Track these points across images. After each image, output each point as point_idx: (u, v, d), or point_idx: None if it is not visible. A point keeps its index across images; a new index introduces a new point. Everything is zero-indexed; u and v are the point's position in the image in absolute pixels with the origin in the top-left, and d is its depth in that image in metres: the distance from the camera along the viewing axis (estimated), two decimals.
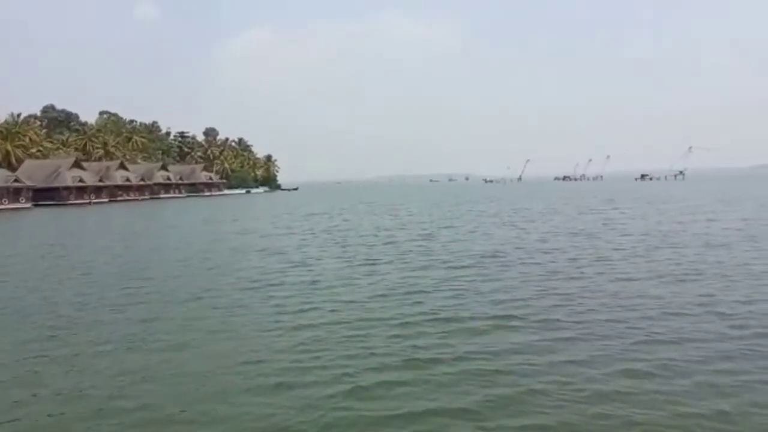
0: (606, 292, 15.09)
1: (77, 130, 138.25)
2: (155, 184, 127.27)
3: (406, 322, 12.71)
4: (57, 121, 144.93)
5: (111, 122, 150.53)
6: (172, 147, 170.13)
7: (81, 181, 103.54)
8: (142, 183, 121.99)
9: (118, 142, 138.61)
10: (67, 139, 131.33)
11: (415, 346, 10.92)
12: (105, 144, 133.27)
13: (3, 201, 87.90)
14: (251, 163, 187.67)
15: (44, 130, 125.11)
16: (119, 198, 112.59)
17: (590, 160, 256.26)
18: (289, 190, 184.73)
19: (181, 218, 57.03)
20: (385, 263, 21.48)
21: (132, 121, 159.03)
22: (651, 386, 8.66)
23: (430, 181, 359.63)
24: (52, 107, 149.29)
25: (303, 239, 31.59)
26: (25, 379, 9.88)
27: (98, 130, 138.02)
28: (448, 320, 12.82)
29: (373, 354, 10.60)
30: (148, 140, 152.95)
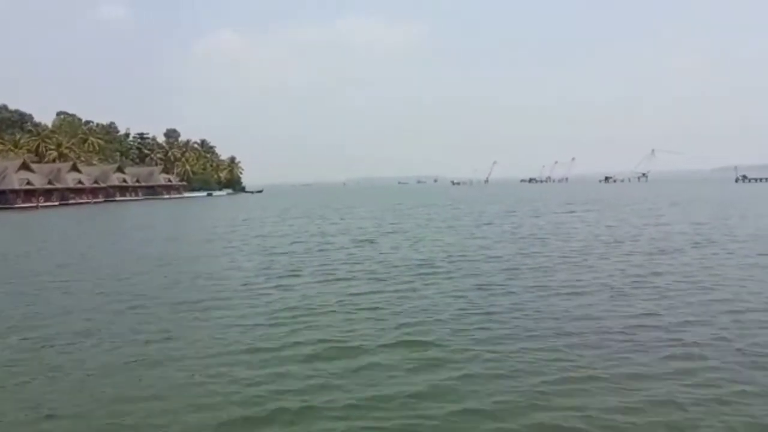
0: (535, 314, 13.33)
1: (30, 131, 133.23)
2: (110, 187, 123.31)
3: (287, 354, 10.74)
4: (10, 121, 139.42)
5: (66, 123, 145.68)
6: (131, 149, 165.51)
7: (29, 183, 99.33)
8: (96, 186, 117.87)
9: (73, 144, 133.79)
10: (18, 140, 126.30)
11: (278, 392, 8.91)
12: (59, 145, 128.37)
13: None
14: (214, 165, 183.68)
15: None
16: (71, 201, 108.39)
17: (556, 162, 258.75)
18: (253, 192, 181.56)
19: (116, 223, 54.28)
20: (307, 274, 19.52)
21: (88, 122, 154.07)
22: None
23: (399, 183, 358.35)
24: (5, 107, 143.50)
25: (230, 246, 29.44)
26: None
27: (52, 131, 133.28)
28: (343, 349, 10.91)
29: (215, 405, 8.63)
30: (106, 141, 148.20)
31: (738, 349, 10.11)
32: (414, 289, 16.15)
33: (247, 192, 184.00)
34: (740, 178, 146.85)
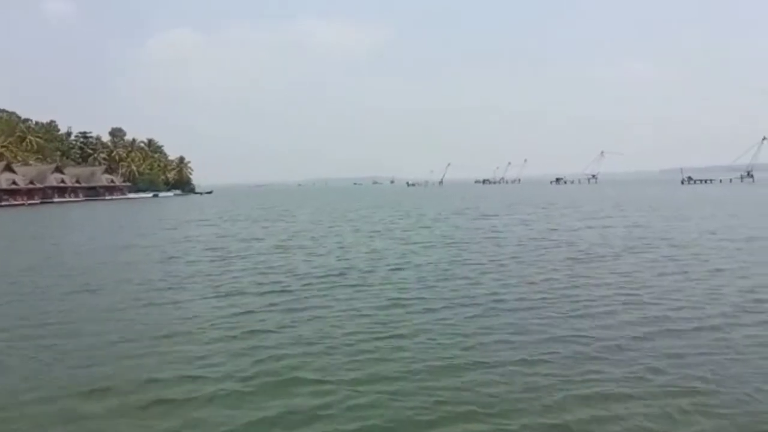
0: (444, 335, 11.85)
1: None
2: (48, 188, 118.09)
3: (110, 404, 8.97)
4: None
5: (2, 121, 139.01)
6: (72, 148, 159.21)
7: None
8: (32, 186, 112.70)
9: (9, 143, 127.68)
10: None
11: None
12: None
13: None
14: (162, 165, 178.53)
15: None
16: (3, 204, 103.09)
17: (509, 164, 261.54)
18: (202, 194, 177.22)
19: (29, 228, 51.20)
20: (201, 287, 17.63)
21: (27, 120, 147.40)
22: None
23: (354, 184, 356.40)
24: None
25: (143, 253, 27.25)
26: None
27: None
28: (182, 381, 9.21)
29: None
30: (46, 140, 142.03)
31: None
32: (313, 307, 14.46)
33: (196, 193, 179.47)
34: (686, 179, 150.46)
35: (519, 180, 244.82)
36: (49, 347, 11.46)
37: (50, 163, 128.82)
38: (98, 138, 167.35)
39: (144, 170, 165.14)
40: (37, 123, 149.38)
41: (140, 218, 60.04)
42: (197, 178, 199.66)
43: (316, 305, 14.59)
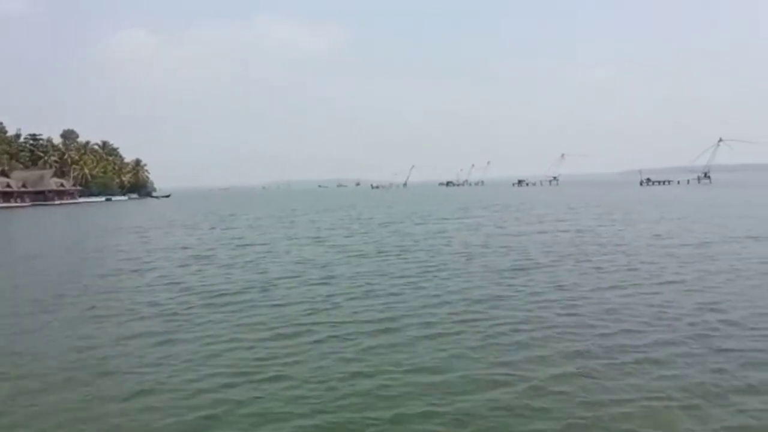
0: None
1: None
2: None
3: None
4: None
5: None
6: (22, 150, 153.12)
7: None
8: None
9: None
10: None
11: None
12: None
13: None
14: (117, 167, 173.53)
15: None
16: None
17: (473, 166, 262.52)
18: (158, 197, 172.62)
19: None
20: (71, 306, 15.40)
21: None
22: None
23: (319, 186, 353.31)
24: None
25: (43, 264, 24.77)
26: None
27: None
28: None
29: None
30: None
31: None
32: (176, 340, 12.24)
33: (153, 197, 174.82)
34: (644, 181, 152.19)
35: (482, 182, 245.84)
36: None
37: None
38: (49, 140, 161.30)
39: (97, 173, 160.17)
40: None
41: (69, 226, 56.87)
42: (161, 182, 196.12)
43: (179, 337, 12.38)
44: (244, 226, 45.41)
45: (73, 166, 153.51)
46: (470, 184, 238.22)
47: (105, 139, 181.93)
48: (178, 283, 18.88)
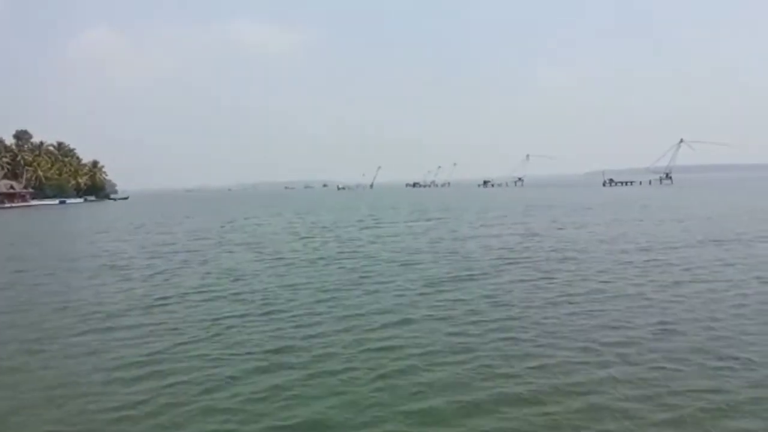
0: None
1: None
2: None
3: None
4: None
5: None
6: None
7: None
8: None
9: None
10: None
11: None
12: None
13: None
14: (72, 169, 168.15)
15: None
16: None
17: (439, 167, 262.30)
18: (116, 199, 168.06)
19: None
20: None
21: None
22: None
23: (285, 188, 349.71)
24: None
25: None
26: None
27: None
28: None
29: None
30: None
31: None
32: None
33: (110, 199, 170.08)
34: (607, 182, 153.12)
35: (449, 183, 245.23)
36: None
37: None
38: (0, 141, 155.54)
39: (52, 175, 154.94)
40: None
41: (23, 229, 53.93)
42: (125, 184, 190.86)
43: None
44: (184, 230, 43.08)
45: (27, 167, 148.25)
46: (437, 185, 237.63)
47: (61, 140, 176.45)
48: (77, 301, 16.83)
